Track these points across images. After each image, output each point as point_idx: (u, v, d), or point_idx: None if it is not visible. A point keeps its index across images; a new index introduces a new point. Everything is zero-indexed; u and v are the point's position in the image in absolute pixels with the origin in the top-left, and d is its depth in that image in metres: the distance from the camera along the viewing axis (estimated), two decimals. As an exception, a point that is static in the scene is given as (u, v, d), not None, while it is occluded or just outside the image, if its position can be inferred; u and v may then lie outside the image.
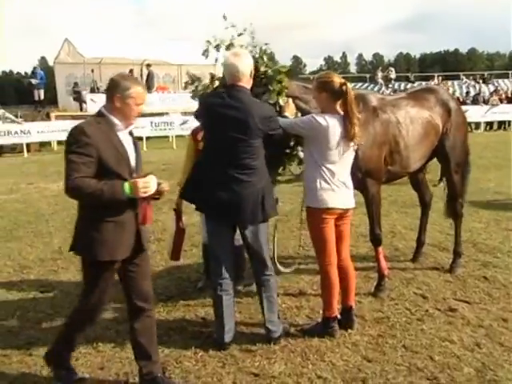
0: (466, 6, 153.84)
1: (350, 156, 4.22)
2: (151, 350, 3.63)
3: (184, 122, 21.13)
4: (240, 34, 4.63)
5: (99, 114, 3.41)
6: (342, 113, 4.08)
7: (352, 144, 4.13)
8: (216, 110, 3.92)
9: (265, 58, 4.63)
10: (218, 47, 4.65)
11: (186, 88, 5.16)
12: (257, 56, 4.58)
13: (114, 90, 3.35)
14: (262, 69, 4.53)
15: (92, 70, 23.36)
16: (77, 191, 3.18)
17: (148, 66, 23.78)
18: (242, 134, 3.86)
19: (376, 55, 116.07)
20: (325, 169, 4.08)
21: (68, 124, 20.12)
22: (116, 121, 3.38)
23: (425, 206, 6.37)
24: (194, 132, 5.33)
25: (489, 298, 5.05)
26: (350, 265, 4.45)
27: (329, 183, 4.09)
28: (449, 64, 71.40)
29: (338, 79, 4.08)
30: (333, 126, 4.02)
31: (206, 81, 5.10)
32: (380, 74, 34.71)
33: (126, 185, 3.26)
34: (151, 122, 21.36)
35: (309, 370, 3.80)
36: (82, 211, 3.42)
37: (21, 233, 8.18)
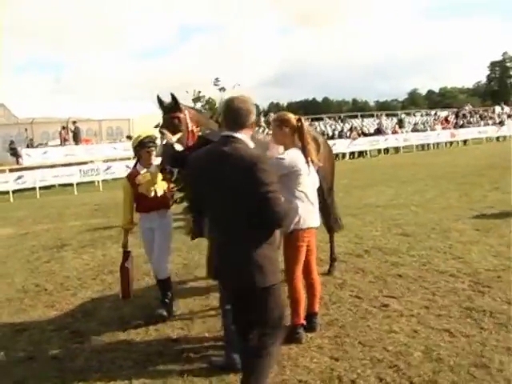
0: (318, 65, 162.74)
1: (313, 178, 4.06)
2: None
3: (108, 168, 20.90)
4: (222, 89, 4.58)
5: (242, 141, 2.79)
6: (299, 144, 3.95)
7: (314, 167, 4.03)
8: None
9: None
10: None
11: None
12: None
13: (250, 117, 2.85)
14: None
15: (26, 129, 22.27)
16: (288, 215, 2.91)
17: (74, 122, 22.95)
18: None
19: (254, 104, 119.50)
20: (299, 193, 3.88)
21: (7, 176, 19.02)
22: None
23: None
24: (132, 176, 4.80)
25: (408, 291, 5.03)
26: (318, 276, 4.28)
27: (305, 204, 3.90)
28: (310, 109, 74.32)
29: (293, 116, 3.99)
30: (297, 155, 3.89)
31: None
32: (263, 119, 35.38)
33: None
34: (80, 170, 20.43)
35: (289, 377, 3.50)
36: (261, 243, 2.75)
37: (-19, 276, 7.15)
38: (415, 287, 5.12)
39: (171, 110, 4.07)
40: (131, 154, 9.46)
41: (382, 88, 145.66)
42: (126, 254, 4.88)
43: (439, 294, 4.87)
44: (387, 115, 39.67)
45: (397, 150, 28.64)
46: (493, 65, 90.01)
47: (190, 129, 4.09)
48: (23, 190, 19.31)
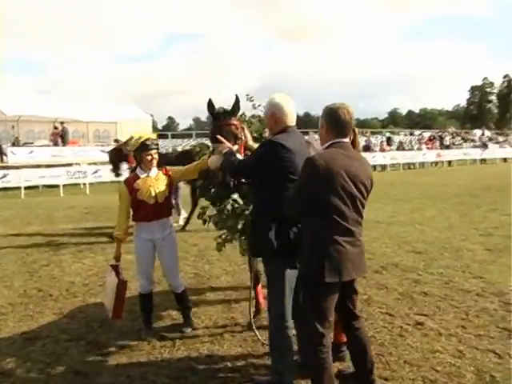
0: (300, 81, 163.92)
1: None
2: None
3: (95, 171, 20.47)
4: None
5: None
6: None
7: None
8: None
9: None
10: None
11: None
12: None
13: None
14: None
15: (12, 127, 21.66)
16: None
17: (61, 123, 22.34)
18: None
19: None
20: None
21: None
22: None
23: None
24: (131, 181, 4.34)
25: (438, 310, 4.92)
26: None
27: None
28: (308, 125, 75.03)
29: None
30: None
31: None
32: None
33: None
34: (67, 172, 19.87)
35: (341, 396, 3.33)
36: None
37: (-23, 279, 6.75)
38: (444, 306, 5.01)
39: (229, 115, 3.78)
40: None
41: (362, 106, 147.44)
42: (116, 267, 4.42)
43: (472, 313, 4.77)
44: (372, 133, 40.17)
45: (383, 167, 28.90)
46: (473, 89, 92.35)
47: (243, 137, 3.86)
48: (7, 188, 18.76)
